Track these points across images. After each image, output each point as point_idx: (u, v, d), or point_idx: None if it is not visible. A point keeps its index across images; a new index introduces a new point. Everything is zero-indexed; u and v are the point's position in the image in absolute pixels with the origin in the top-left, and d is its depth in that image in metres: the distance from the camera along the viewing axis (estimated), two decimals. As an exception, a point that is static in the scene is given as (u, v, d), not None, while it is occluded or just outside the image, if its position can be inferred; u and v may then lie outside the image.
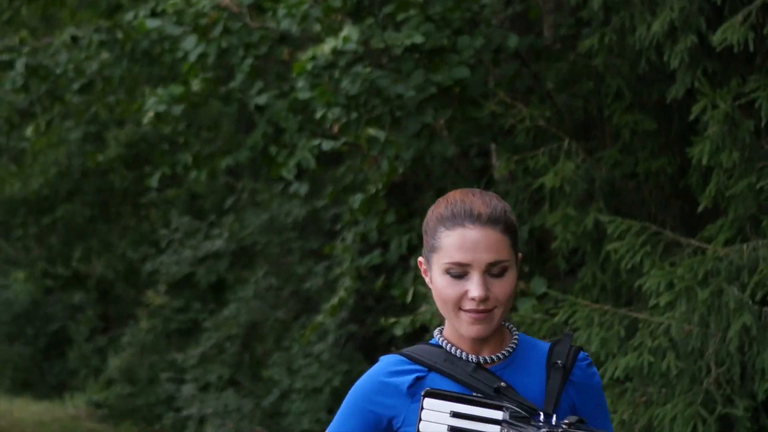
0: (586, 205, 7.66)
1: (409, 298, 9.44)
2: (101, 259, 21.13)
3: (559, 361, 2.90)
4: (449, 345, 2.92)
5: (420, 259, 2.99)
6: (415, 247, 9.68)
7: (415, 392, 2.84)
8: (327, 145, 9.17)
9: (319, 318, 10.70)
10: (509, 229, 2.90)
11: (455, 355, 2.89)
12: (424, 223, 2.98)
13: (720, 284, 6.26)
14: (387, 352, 8.92)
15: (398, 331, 9.17)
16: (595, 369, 3.02)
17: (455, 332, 2.92)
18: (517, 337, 2.98)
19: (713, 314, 6.29)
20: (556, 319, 7.14)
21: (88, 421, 23.20)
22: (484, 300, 2.81)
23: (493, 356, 2.90)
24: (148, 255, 17.25)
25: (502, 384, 2.81)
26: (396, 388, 2.87)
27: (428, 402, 2.73)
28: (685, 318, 6.35)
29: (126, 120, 14.45)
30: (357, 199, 9.49)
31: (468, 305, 2.82)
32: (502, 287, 2.84)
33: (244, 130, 12.76)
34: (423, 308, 9.07)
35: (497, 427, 2.70)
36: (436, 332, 2.99)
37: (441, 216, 2.90)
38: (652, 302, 6.62)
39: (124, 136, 15.52)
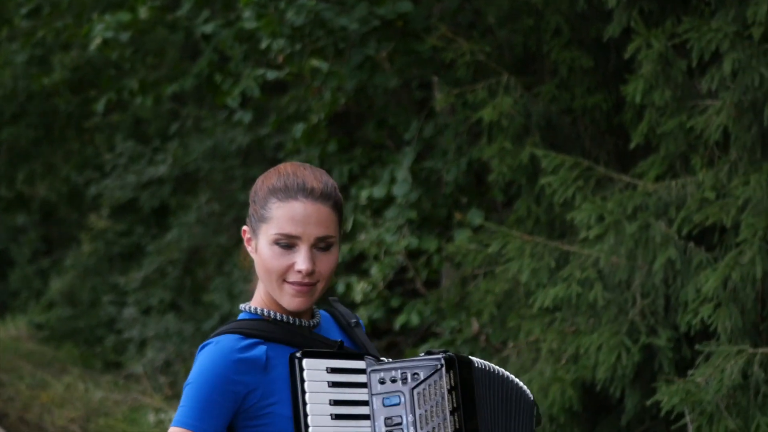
0: (523, 139, 7.80)
1: (348, 227, 9.59)
2: (45, 181, 21.03)
3: (352, 320, 3.12)
4: (273, 313, 3.00)
5: (244, 228, 3.06)
6: (356, 176, 9.81)
7: (267, 365, 2.89)
8: (271, 74, 9.25)
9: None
10: (337, 207, 3.00)
11: (285, 322, 2.98)
12: (252, 193, 3.04)
13: (647, 219, 6.46)
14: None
15: (336, 258, 9.34)
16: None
17: (274, 301, 3.00)
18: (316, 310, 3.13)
19: (640, 247, 6.49)
20: (489, 249, 7.32)
21: (29, 342, 23.24)
22: (310, 273, 2.90)
23: (312, 321, 3.04)
24: (92, 179, 17.21)
25: (340, 341, 2.97)
26: (253, 364, 2.88)
27: (307, 362, 2.81)
28: (613, 251, 6.55)
29: (72, 44, 14.37)
30: (299, 129, 9.59)
31: (293, 277, 2.91)
32: (328, 262, 2.94)
33: (190, 57, 12.75)
34: (362, 237, 9.24)
35: (363, 376, 2.83)
36: (245, 306, 3.05)
37: (273, 187, 2.96)
38: (582, 235, 6.81)
39: (70, 61, 15.39)
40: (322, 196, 2.93)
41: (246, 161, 12.96)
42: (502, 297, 7.81)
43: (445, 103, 8.28)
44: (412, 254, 9.33)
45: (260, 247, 2.95)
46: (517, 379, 3.13)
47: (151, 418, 12.36)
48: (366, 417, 2.79)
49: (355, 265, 9.89)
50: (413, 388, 2.75)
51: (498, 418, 2.98)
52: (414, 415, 2.73)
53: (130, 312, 16.00)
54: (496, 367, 3.07)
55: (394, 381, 2.78)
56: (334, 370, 2.81)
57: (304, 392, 2.77)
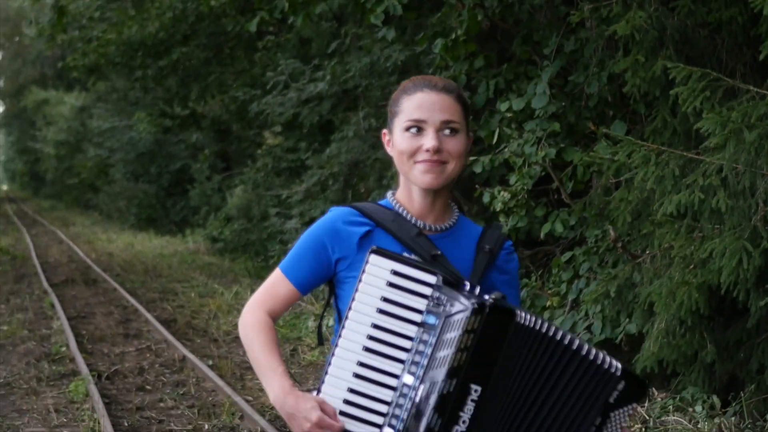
0: (657, 53, 7.93)
1: (494, 139, 9.87)
2: (216, 99, 21.67)
3: (487, 246, 3.34)
4: (400, 207, 3.33)
5: (384, 131, 3.40)
6: (502, 90, 10.06)
7: (363, 244, 3.22)
8: (410, -8, 9.56)
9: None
10: (461, 101, 3.29)
11: (403, 217, 3.31)
12: (390, 102, 3.38)
13: (768, 127, 6.56)
14: (470, 189, 9.54)
15: (477, 169, 9.65)
16: (515, 256, 3.44)
17: (407, 196, 3.34)
18: (458, 215, 3.40)
19: (763, 156, 6.61)
20: (617, 157, 7.52)
21: (206, 255, 24.13)
22: (437, 151, 3.21)
23: (435, 225, 3.33)
24: (256, 96, 17.72)
25: (438, 252, 3.23)
26: (348, 236, 3.23)
27: (374, 258, 3.05)
28: (735, 159, 6.69)
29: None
30: (438, 43, 9.89)
31: (422, 156, 3.22)
32: (455, 145, 3.24)
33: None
34: (505, 149, 9.51)
35: (429, 289, 3.07)
36: (389, 194, 3.40)
37: (404, 87, 3.32)
38: (705, 144, 6.97)
39: (237, -19, 15.92)
40: (445, 89, 3.25)
41: (402, 78, 13.25)
42: (637, 205, 8.03)
43: (579, 18, 8.45)
44: (559, 165, 9.56)
45: (395, 139, 3.28)
46: (589, 348, 3.10)
47: (310, 324, 12.90)
48: (407, 320, 3.06)
49: (498, 174, 10.18)
50: (447, 317, 3.03)
51: (536, 376, 3.07)
52: (437, 338, 3.01)
53: (293, 223, 16.54)
54: (554, 328, 3.08)
55: (439, 304, 3.05)
56: (397, 273, 3.07)
57: (360, 281, 3.06)
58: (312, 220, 15.90)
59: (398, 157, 3.30)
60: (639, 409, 8.02)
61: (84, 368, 10.62)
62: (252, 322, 3.29)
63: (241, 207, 21.95)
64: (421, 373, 3.00)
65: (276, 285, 3.31)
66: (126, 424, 8.84)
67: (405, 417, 2.99)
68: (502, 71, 10.09)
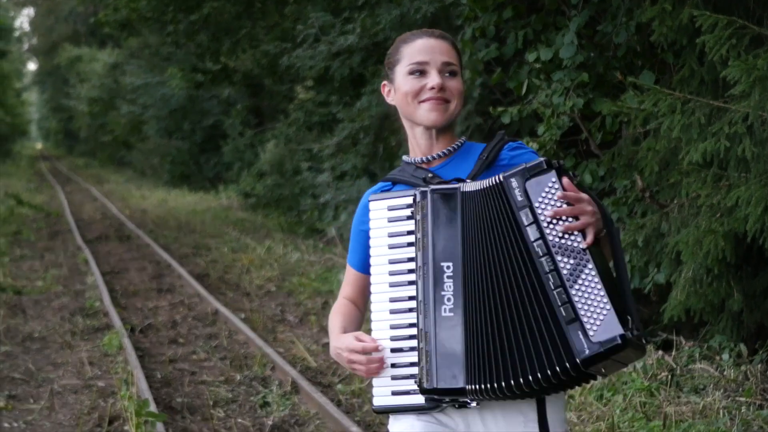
0: (684, 1, 7.90)
1: (523, 91, 9.87)
2: (247, 54, 21.67)
3: (485, 154, 3.42)
4: (408, 158, 3.49)
5: (383, 83, 3.52)
6: (531, 41, 10.04)
7: None
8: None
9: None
10: (456, 48, 3.45)
11: (408, 163, 3.47)
12: (386, 57, 3.52)
13: (794, 75, 6.54)
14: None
15: (506, 120, 9.66)
16: (523, 150, 3.46)
17: (413, 143, 3.47)
18: (460, 141, 3.49)
19: (788, 103, 6.60)
20: (643, 106, 7.51)
21: (239, 210, 24.26)
22: (441, 89, 3.34)
23: (431, 155, 3.44)
24: (286, 50, 17.71)
25: (429, 174, 3.38)
26: None
27: (372, 205, 3.34)
28: (760, 106, 6.68)
29: None
30: (467, -8, 9.90)
31: (427, 95, 3.34)
32: (456, 84, 3.38)
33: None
34: (533, 99, 9.51)
35: (411, 199, 3.28)
36: (405, 157, 3.54)
37: (402, 38, 3.47)
38: (730, 92, 6.96)
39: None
40: (441, 36, 3.43)
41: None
42: (665, 155, 8.04)
43: (603, -34, 8.42)
44: (588, 116, 9.55)
45: (397, 84, 3.41)
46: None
47: (341, 277, 12.96)
48: (410, 244, 3.26)
49: (526, 124, 10.19)
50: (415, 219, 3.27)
51: (491, 226, 3.19)
52: (415, 239, 3.24)
53: (325, 177, 16.59)
54: (488, 181, 3.22)
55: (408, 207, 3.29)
56: (392, 208, 3.30)
57: (370, 228, 3.34)
58: (344, 174, 16.09)
59: (402, 100, 3.41)
60: (667, 357, 8.07)
61: (117, 322, 10.75)
62: (334, 307, 3.58)
63: (274, 162, 22.01)
64: (421, 274, 3.21)
65: (347, 275, 3.61)
66: (159, 376, 8.96)
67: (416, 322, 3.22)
68: (531, 22, 10.07)
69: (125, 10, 20.03)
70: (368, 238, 3.38)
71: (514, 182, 3.11)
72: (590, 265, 3.00)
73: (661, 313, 8.21)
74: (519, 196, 3.09)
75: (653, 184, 8.62)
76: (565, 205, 3.07)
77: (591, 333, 2.94)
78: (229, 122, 28.95)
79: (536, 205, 3.07)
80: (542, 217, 3.06)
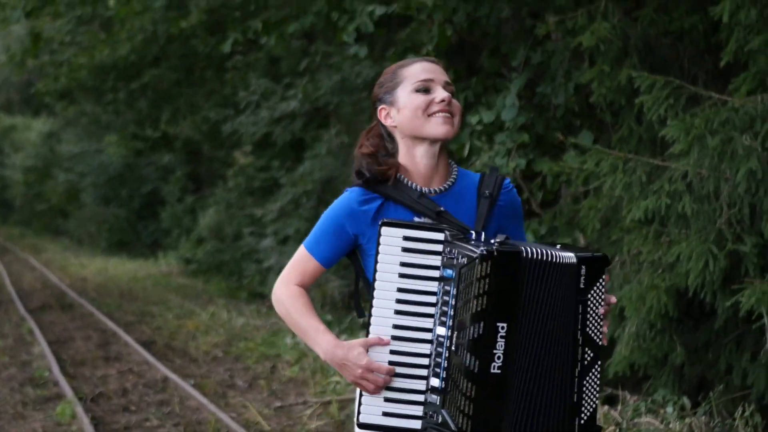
0: (622, 62, 8.14)
1: (465, 152, 10.03)
2: (188, 120, 21.76)
3: (487, 191, 3.62)
4: (403, 177, 3.61)
5: (380, 107, 3.66)
6: (472, 104, 10.23)
7: (377, 218, 3.55)
8: (380, 10, 9.76)
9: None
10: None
11: (403, 183, 3.59)
12: (378, 84, 3.69)
13: (730, 132, 6.75)
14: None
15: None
16: (515, 192, 3.72)
17: (411, 160, 3.60)
18: (456, 171, 3.68)
19: (726, 160, 6.80)
20: (585, 166, 7.71)
21: (180, 277, 24.18)
22: (449, 102, 3.53)
23: (436, 188, 3.60)
24: (227, 116, 17.83)
25: (441, 209, 3.51)
26: (363, 215, 3.55)
27: (385, 230, 3.39)
28: (699, 164, 6.88)
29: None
30: (409, 60, 10.06)
31: (436, 107, 3.52)
32: (456, 102, 3.58)
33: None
34: (476, 162, 9.68)
35: (439, 246, 3.38)
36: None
37: (399, 64, 3.67)
38: (670, 151, 7.16)
39: (206, 3, 16.00)
40: (436, 61, 3.67)
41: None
42: (606, 213, 8.23)
43: (545, 30, 8.64)
44: (528, 176, 9.73)
45: (401, 103, 3.58)
46: (554, 253, 3.38)
47: (288, 341, 13.02)
48: (427, 278, 3.37)
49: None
50: (461, 268, 3.31)
51: (541, 300, 3.34)
52: (457, 288, 3.31)
53: (268, 242, 16.65)
54: (555, 254, 3.35)
55: (451, 258, 3.35)
56: (408, 238, 3.38)
57: (377, 252, 3.40)
58: (287, 239, 16.17)
59: (410, 116, 3.57)
60: (612, 412, 8.20)
61: (69, 391, 10.71)
62: (286, 294, 3.61)
63: (213, 227, 22.03)
64: (451, 323, 3.31)
65: (302, 262, 3.64)
66: (113, 444, 8.95)
67: (446, 365, 3.32)
68: (472, 84, 10.27)
69: (65, 79, 20.04)
70: (350, 239, 3.56)
71: (584, 269, 3.37)
72: (599, 362, 3.41)
73: (606, 368, 8.36)
74: (582, 284, 3.37)
75: (595, 242, 8.80)
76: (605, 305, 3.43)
77: (581, 421, 3.39)
78: (167, 188, 28.96)
79: (589, 296, 3.39)
80: (590, 310, 3.39)
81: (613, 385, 8.93)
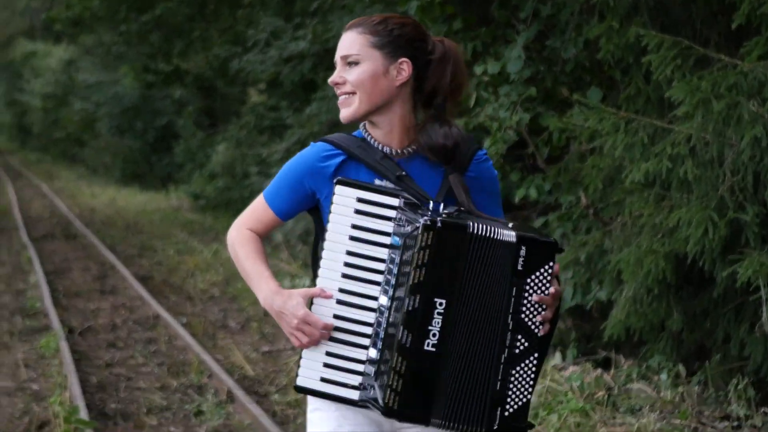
0: (632, 19, 7.89)
1: (471, 102, 9.83)
2: (200, 56, 21.57)
3: (449, 166, 3.38)
4: (368, 135, 3.43)
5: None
6: (480, 53, 10.00)
7: (337, 174, 3.35)
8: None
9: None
10: (370, 31, 3.36)
11: (369, 143, 3.40)
12: None
13: (737, 98, 6.54)
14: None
15: (452, 132, 9.60)
16: (490, 164, 3.47)
17: (376, 128, 3.43)
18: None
19: (732, 126, 6.59)
20: (588, 124, 7.50)
21: (189, 212, 24.09)
22: (336, 84, 3.37)
23: (401, 150, 3.40)
24: (236, 53, 17.63)
25: (403, 173, 3.32)
26: (323, 171, 3.36)
27: (339, 188, 3.24)
28: (703, 128, 6.67)
29: None
30: (413, 6, 9.85)
31: (336, 91, 3.40)
32: (354, 74, 3.32)
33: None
34: (480, 113, 9.48)
35: (393, 212, 3.22)
36: (361, 125, 3.48)
37: None
38: (674, 113, 6.95)
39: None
40: (351, 26, 3.41)
41: (383, 38, 13.16)
42: (609, 172, 8.04)
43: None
44: (535, 130, 9.53)
45: None
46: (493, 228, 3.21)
47: (287, 283, 12.88)
48: (378, 243, 3.21)
49: (474, 138, 10.13)
50: (405, 237, 3.15)
51: (489, 279, 3.18)
52: (400, 257, 3.15)
53: (272, 181, 16.50)
54: (500, 231, 3.18)
55: (400, 225, 3.18)
56: (362, 200, 3.22)
57: (329, 212, 3.24)
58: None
59: None
60: (605, 376, 8.05)
61: (57, 323, 10.62)
62: (239, 238, 3.49)
63: (225, 164, 21.89)
64: (392, 293, 3.16)
65: (259, 210, 3.50)
66: (95, 381, 8.85)
67: (382, 336, 3.17)
68: (480, 34, 10.03)
69: (77, 7, 19.84)
70: (309, 195, 3.40)
71: (524, 250, 3.15)
72: (537, 355, 3.20)
73: (602, 330, 8.21)
74: (521, 266, 3.16)
75: (597, 201, 8.62)
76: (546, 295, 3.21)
77: (506, 413, 3.18)
78: (181, 123, 28.78)
79: (528, 280, 3.17)
80: (526, 295, 3.18)
81: (609, 348, 8.79)
